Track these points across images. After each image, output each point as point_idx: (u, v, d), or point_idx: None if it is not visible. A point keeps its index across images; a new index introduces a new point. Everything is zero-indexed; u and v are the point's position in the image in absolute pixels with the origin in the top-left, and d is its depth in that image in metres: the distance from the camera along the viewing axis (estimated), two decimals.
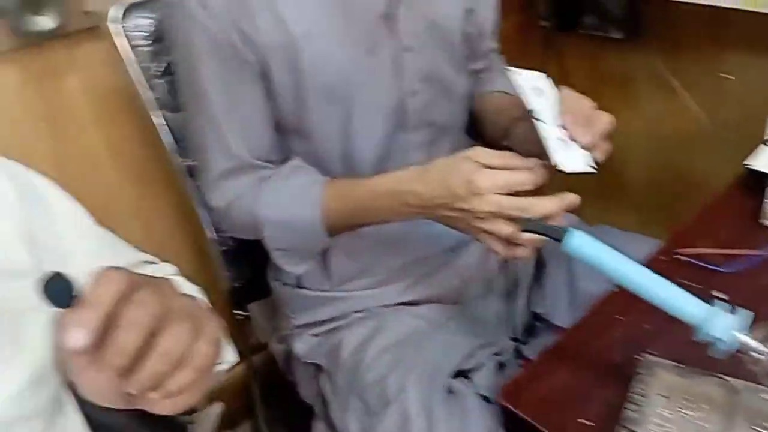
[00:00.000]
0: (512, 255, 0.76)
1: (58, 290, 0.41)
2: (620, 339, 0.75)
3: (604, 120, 0.77)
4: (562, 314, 1.07)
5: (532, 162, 0.75)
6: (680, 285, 0.79)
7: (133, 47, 1.02)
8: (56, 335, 0.43)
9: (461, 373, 0.94)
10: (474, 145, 1.08)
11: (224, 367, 0.69)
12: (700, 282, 0.81)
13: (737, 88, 1.11)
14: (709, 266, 0.82)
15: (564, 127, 0.76)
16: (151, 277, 0.47)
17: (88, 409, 0.55)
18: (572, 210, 0.76)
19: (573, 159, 0.74)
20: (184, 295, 0.49)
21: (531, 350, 1.07)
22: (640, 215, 1.73)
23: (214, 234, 1.13)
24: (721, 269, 0.82)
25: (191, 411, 0.57)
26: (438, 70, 0.96)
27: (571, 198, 0.75)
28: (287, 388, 1.15)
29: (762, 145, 0.92)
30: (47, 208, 0.63)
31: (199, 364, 0.45)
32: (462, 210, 0.77)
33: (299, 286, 1.04)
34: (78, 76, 1.14)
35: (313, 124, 0.91)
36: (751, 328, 0.57)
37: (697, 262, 0.83)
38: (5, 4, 0.97)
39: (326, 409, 0.99)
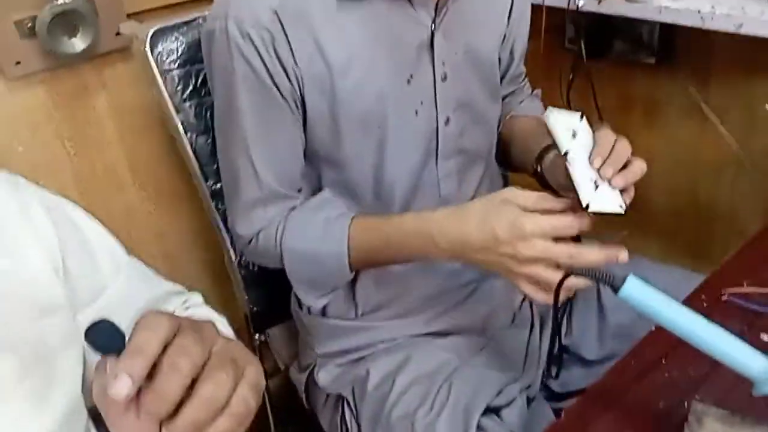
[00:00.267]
0: (548, 300, 0.75)
1: (104, 337, 0.42)
2: (664, 384, 0.72)
3: (639, 166, 0.78)
4: (591, 347, 1.05)
5: (568, 203, 0.75)
6: (725, 326, 0.78)
7: (162, 70, 1.02)
8: (97, 381, 0.43)
9: (489, 409, 0.92)
10: (502, 173, 1.09)
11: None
12: (745, 323, 0.79)
13: None
14: (753, 306, 0.80)
15: (597, 168, 0.76)
16: (193, 320, 0.47)
17: None
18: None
19: (602, 199, 0.74)
20: (225, 338, 0.48)
21: (559, 385, 1.06)
22: (664, 243, 1.70)
23: (236, 257, 1.12)
24: (766, 310, 0.79)
25: None
26: (472, 98, 0.96)
27: (621, 255, 0.76)
28: (303, 415, 1.14)
29: None
30: (84, 241, 0.63)
31: (238, 411, 0.45)
32: (504, 254, 0.76)
33: (324, 315, 1.02)
34: (106, 96, 1.14)
35: (347, 153, 0.90)
36: None
37: (740, 302, 0.81)
38: (38, 25, 0.97)
39: None
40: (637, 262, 1.09)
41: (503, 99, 1.09)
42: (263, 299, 1.17)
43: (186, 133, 1.05)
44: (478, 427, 0.87)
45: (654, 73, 1.49)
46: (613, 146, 0.78)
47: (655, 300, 0.56)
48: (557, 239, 0.75)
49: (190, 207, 1.28)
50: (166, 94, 1.03)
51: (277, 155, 0.90)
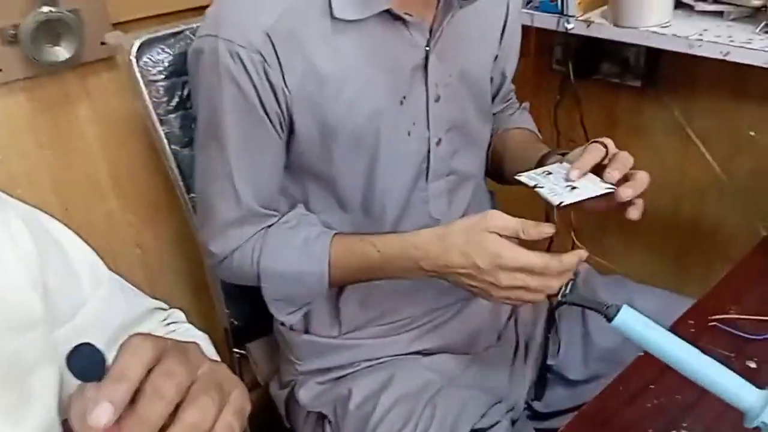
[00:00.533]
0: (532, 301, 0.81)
1: (85, 361, 0.40)
2: (652, 410, 0.71)
3: (643, 175, 0.82)
4: (576, 368, 1.05)
5: (551, 231, 0.78)
6: (712, 352, 0.78)
7: (148, 81, 1.00)
8: (77, 405, 0.41)
9: (474, 431, 0.91)
10: (489, 190, 1.09)
11: None
12: (732, 349, 0.79)
13: (753, 142, 1.10)
14: (740, 333, 0.80)
15: (570, 179, 0.80)
16: (178, 342, 0.45)
17: None
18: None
19: (581, 190, 0.79)
20: (211, 360, 0.47)
21: (543, 405, 1.05)
22: (648, 262, 1.71)
23: None
24: (753, 336, 0.79)
25: None
26: (464, 120, 0.96)
27: (581, 253, 0.78)
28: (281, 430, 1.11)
29: None
30: (63, 255, 0.61)
31: None
32: (485, 281, 0.79)
33: (307, 332, 1.01)
34: (89, 105, 1.12)
35: (337, 172, 0.90)
36: None
37: (727, 329, 0.81)
38: (22, 33, 0.95)
39: None
40: (624, 283, 1.11)
41: (494, 115, 1.10)
42: (244, 313, 1.15)
43: (170, 145, 1.03)
44: None
45: (640, 95, 1.51)
46: (615, 154, 0.83)
47: (649, 330, 0.56)
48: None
49: (170, 218, 1.26)
50: (150, 105, 1.01)
51: (259, 176, 0.89)
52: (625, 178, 0.81)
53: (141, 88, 1.01)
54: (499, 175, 1.08)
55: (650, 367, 0.72)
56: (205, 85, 0.85)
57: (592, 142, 0.84)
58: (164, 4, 1.12)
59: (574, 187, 0.79)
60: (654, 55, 1.41)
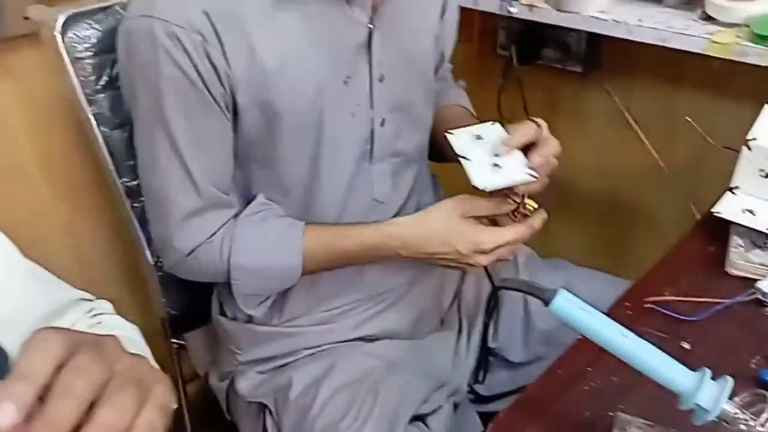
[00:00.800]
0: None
1: None
2: (589, 392, 0.72)
3: (554, 143, 0.87)
4: (517, 350, 1.06)
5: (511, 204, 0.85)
6: (648, 333, 0.79)
7: (74, 58, 0.95)
8: None
9: (416, 417, 0.92)
10: (431, 174, 1.08)
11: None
12: (667, 330, 0.80)
13: (689, 128, 1.12)
14: (674, 314, 0.81)
15: (497, 155, 0.84)
16: (93, 335, 0.42)
17: None
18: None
19: (505, 174, 0.82)
20: (131, 354, 0.44)
21: (486, 389, 1.06)
22: (586, 246, 1.74)
23: (152, 259, 1.06)
24: (687, 318, 0.80)
25: None
26: (408, 100, 0.94)
27: (544, 214, 0.86)
28: (224, 424, 1.09)
29: (728, 192, 0.92)
30: None
31: None
32: (465, 262, 0.86)
33: (247, 321, 0.98)
34: (12, 83, 1.06)
35: (281, 154, 0.87)
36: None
37: (662, 310, 0.82)
38: None
39: None
40: (564, 266, 1.13)
41: None
42: (181, 303, 1.12)
43: (99, 126, 0.99)
44: None
45: (581, 81, 1.53)
46: (546, 139, 0.86)
47: (584, 314, 0.56)
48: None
49: (104, 205, 1.21)
50: (77, 84, 0.96)
51: (213, 161, 0.85)
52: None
53: (67, 66, 0.96)
54: (439, 155, 1.08)
55: (588, 350, 0.72)
56: (141, 70, 0.80)
57: (527, 121, 0.86)
58: None
59: (497, 165, 0.82)
60: (595, 40, 1.43)
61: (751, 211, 0.90)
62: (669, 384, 0.54)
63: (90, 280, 1.28)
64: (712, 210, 0.91)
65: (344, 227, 0.89)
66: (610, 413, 0.69)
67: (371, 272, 0.97)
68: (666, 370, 0.55)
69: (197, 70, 0.78)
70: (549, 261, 1.15)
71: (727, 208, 0.90)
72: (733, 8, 1.13)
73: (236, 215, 0.89)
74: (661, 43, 1.17)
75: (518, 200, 0.85)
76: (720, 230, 0.92)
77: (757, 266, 0.86)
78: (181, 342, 1.18)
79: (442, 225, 0.85)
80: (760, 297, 0.82)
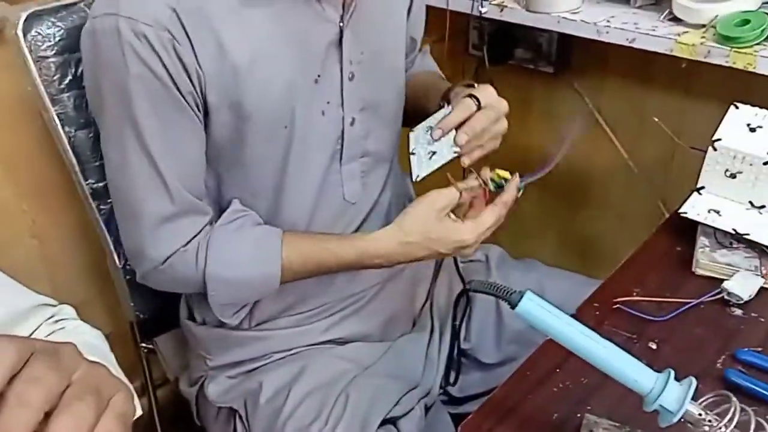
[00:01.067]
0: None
1: None
2: (558, 394, 0.72)
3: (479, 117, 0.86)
4: (489, 351, 1.06)
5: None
6: (616, 333, 0.80)
7: (37, 57, 0.93)
8: None
9: (387, 420, 0.91)
10: (402, 174, 1.08)
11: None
12: (634, 331, 0.80)
13: (656, 128, 1.13)
14: (642, 315, 0.82)
15: (433, 138, 0.86)
16: (50, 343, 0.41)
17: None
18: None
19: (436, 158, 0.85)
20: (90, 362, 0.43)
21: (458, 389, 1.06)
22: (557, 245, 1.75)
23: (120, 261, 1.05)
24: (654, 318, 0.81)
25: None
26: (378, 99, 0.94)
27: (516, 180, 0.88)
28: (194, 429, 1.08)
29: (694, 193, 0.93)
30: None
31: None
32: (450, 256, 0.89)
33: (216, 326, 0.97)
34: None
35: (251, 155, 0.85)
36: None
37: (630, 311, 0.82)
38: None
39: None
40: (535, 266, 1.13)
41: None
42: (150, 306, 1.10)
43: (63, 126, 0.96)
44: None
45: (552, 81, 1.54)
46: (473, 115, 0.85)
47: (551, 317, 0.56)
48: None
49: (70, 206, 1.18)
50: (40, 84, 0.94)
51: (185, 164, 0.83)
52: None
53: (30, 65, 0.93)
54: (412, 119, 1.06)
55: (556, 352, 0.72)
56: (108, 70, 0.77)
57: (465, 97, 0.86)
58: None
59: (434, 152, 0.85)
60: (566, 41, 1.43)
61: (716, 212, 0.91)
62: (633, 385, 0.55)
63: (57, 284, 1.26)
64: (679, 211, 0.92)
65: (323, 239, 0.88)
66: (579, 414, 0.69)
67: (342, 275, 0.96)
68: (630, 372, 0.55)
69: (166, 69, 0.76)
70: (521, 261, 1.15)
71: (693, 208, 0.91)
72: (698, 9, 1.14)
73: (210, 223, 0.87)
74: (628, 44, 1.18)
75: (475, 176, 0.87)
76: (687, 230, 0.93)
77: (723, 266, 0.87)
78: (151, 346, 1.16)
79: (420, 233, 0.84)
80: (726, 297, 0.83)
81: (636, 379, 0.54)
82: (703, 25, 1.14)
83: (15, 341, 0.38)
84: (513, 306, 0.56)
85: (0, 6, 0.99)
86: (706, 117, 1.00)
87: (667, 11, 1.20)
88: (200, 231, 0.86)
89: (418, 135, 0.90)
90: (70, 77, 0.96)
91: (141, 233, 0.84)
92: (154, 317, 1.11)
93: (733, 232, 0.89)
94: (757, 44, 1.08)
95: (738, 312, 0.83)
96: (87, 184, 1.00)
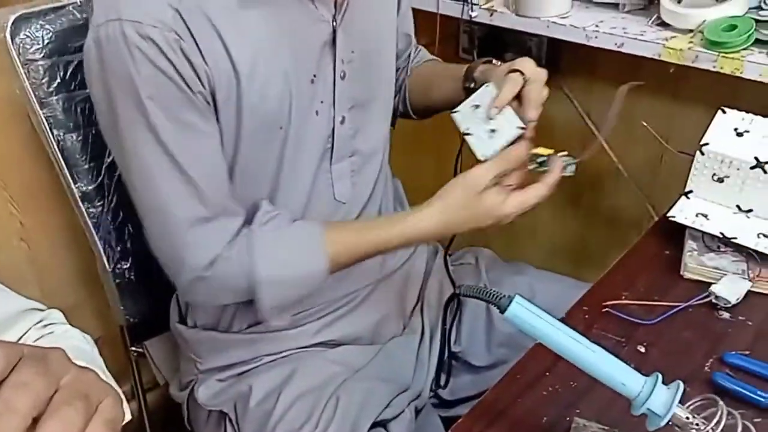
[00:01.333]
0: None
1: None
2: (548, 397, 0.73)
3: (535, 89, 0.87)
4: (480, 354, 1.06)
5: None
6: (603, 338, 0.80)
7: (26, 60, 0.93)
8: None
9: (377, 423, 0.91)
10: (393, 173, 1.08)
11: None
12: (623, 334, 0.81)
13: (645, 132, 1.14)
14: (630, 318, 0.82)
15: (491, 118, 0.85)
16: (38, 348, 0.41)
17: None
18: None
19: (499, 135, 0.84)
20: (79, 367, 0.43)
21: (449, 393, 1.06)
22: (547, 249, 1.76)
23: (110, 265, 1.04)
24: (642, 321, 0.82)
25: None
26: (367, 97, 0.94)
27: (556, 163, 0.90)
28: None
29: (682, 197, 0.94)
30: None
31: None
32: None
33: (206, 329, 0.96)
34: None
35: (246, 157, 0.85)
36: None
37: (618, 314, 0.83)
38: None
39: None
40: (525, 270, 1.13)
41: (398, 70, 1.09)
42: (140, 310, 1.10)
43: (52, 129, 0.96)
44: None
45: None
46: (528, 91, 0.86)
47: (539, 321, 0.56)
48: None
49: (59, 210, 1.18)
50: (29, 87, 0.94)
51: (208, 163, 0.81)
52: None
53: (18, 68, 0.93)
54: (426, 107, 1.09)
55: (546, 355, 0.72)
56: (117, 77, 0.76)
57: (509, 72, 0.87)
58: None
59: (493, 130, 0.84)
60: (556, 45, 1.44)
61: (704, 215, 0.92)
62: (621, 389, 0.55)
63: (45, 288, 1.25)
64: (667, 214, 0.92)
65: (366, 228, 0.88)
66: (568, 418, 0.69)
67: (334, 276, 0.96)
68: (618, 376, 0.55)
69: (176, 69, 0.75)
70: (511, 265, 1.16)
71: (681, 212, 0.92)
72: (686, 15, 1.15)
73: (244, 225, 0.86)
74: (617, 49, 1.19)
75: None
76: (676, 234, 0.94)
77: (711, 270, 0.88)
78: (141, 350, 1.16)
79: (463, 212, 0.84)
80: (713, 300, 0.84)
81: (624, 382, 0.55)
82: (691, 31, 1.15)
83: (2, 346, 0.38)
84: (502, 311, 0.57)
85: None
86: (693, 121, 1.01)
87: (655, 16, 1.21)
88: (237, 233, 0.84)
89: (465, 114, 0.87)
90: (58, 80, 0.96)
91: (176, 240, 0.82)
92: (144, 321, 1.11)
93: (721, 236, 0.89)
94: (744, 49, 1.09)
95: (726, 315, 0.84)
96: (76, 187, 1.00)
